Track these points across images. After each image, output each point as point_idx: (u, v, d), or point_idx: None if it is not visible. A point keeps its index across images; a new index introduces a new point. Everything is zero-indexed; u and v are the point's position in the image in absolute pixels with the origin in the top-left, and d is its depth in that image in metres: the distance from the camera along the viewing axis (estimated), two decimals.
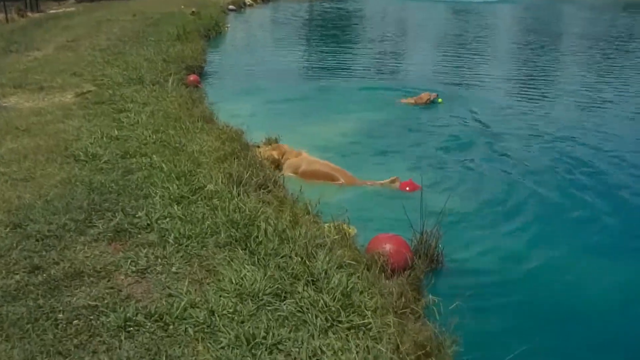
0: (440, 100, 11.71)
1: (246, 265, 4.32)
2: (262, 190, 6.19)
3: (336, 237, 5.10)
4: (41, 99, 9.33)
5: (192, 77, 12.27)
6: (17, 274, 4.12)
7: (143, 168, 6.24)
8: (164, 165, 6.27)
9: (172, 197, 5.50)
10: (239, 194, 5.70)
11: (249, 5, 34.48)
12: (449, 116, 10.89)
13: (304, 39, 23.53)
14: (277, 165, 7.71)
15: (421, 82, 14.09)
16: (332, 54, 19.23)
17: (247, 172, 6.37)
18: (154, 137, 7.26)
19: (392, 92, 12.98)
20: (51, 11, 26.16)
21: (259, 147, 8.18)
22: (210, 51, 16.61)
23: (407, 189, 6.99)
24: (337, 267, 4.41)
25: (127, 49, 13.78)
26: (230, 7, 30.44)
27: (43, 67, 11.67)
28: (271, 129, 9.25)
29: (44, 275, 4.10)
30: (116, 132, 7.38)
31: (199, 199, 5.55)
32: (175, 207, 5.28)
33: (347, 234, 5.32)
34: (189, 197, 5.54)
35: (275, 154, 7.69)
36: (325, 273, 4.30)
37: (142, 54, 12.96)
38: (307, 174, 7.41)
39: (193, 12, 22.49)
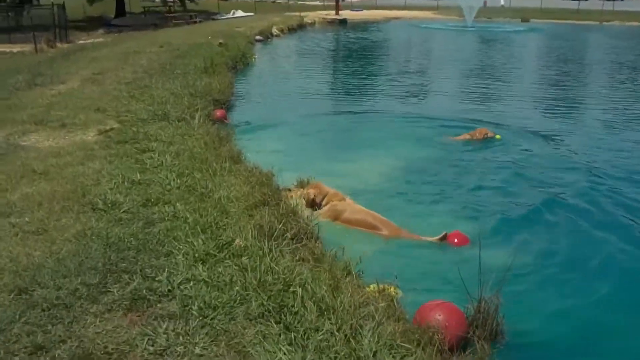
0: (498, 136, 10.99)
1: (282, 346, 3.69)
2: (296, 244, 5.60)
3: (382, 304, 4.46)
4: (62, 137, 8.88)
5: (218, 112, 11.82)
6: (16, 355, 3.55)
7: (166, 219, 5.68)
8: (188, 216, 5.71)
9: (196, 254, 4.91)
10: (270, 251, 5.10)
11: (276, 36, 34.38)
12: (502, 155, 10.16)
13: (332, 69, 23.11)
14: (313, 205, 7.12)
15: (460, 114, 13.52)
16: (362, 84, 18.80)
17: (279, 223, 5.79)
18: (179, 181, 6.72)
19: (433, 125, 12.40)
20: (80, 42, 26.30)
21: (289, 190, 7.60)
22: (238, 83, 16.18)
23: (455, 241, 6.32)
24: (387, 348, 3.77)
25: (153, 82, 13.39)
26: (258, 37, 30.29)
27: (67, 102, 11.27)
28: (303, 168, 8.72)
29: (47, 358, 3.52)
30: (138, 175, 6.85)
31: (227, 256, 4.96)
32: (200, 267, 4.70)
33: (394, 300, 4.67)
34: (215, 255, 4.95)
35: (312, 192, 7.11)
36: (375, 356, 3.66)
37: (168, 88, 12.55)
38: (350, 222, 6.81)
39: (220, 43, 22.22)
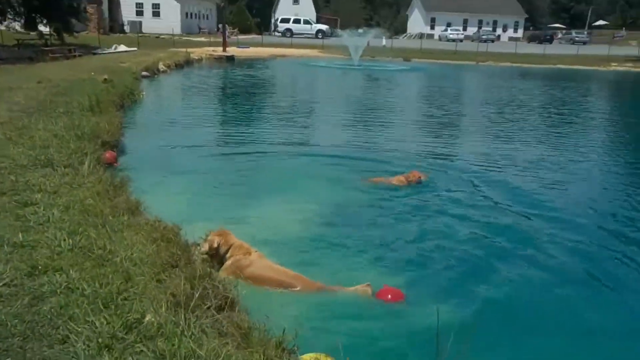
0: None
1: None
2: (217, 314, 4.86)
3: None
4: None
5: (108, 155, 10.79)
6: None
7: (58, 291, 4.76)
8: (85, 287, 4.83)
9: (100, 339, 4.07)
10: (189, 327, 4.35)
11: (163, 72, 33.14)
12: (419, 196, 9.81)
13: (223, 108, 22.39)
14: (216, 256, 6.39)
15: (362, 152, 13.31)
16: (257, 123, 18.23)
17: (195, 290, 5.03)
18: (71, 241, 5.78)
19: (339, 163, 12.09)
20: None
21: (199, 245, 6.82)
22: (127, 123, 15.06)
23: (389, 297, 5.79)
24: None
25: (32, 122, 12.08)
26: (144, 73, 28.98)
27: None
28: (209, 217, 8.04)
29: None
30: (21, 236, 5.83)
31: (138, 339, 4.15)
32: (107, 356, 3.85)
33: None
34: (124, 338, 4.13)
35: (217, 240, 6.37)
36: None
37: (51, 129, 11.31)
38: (256, 278, 6.08)
39: (105, 79, 20.91)
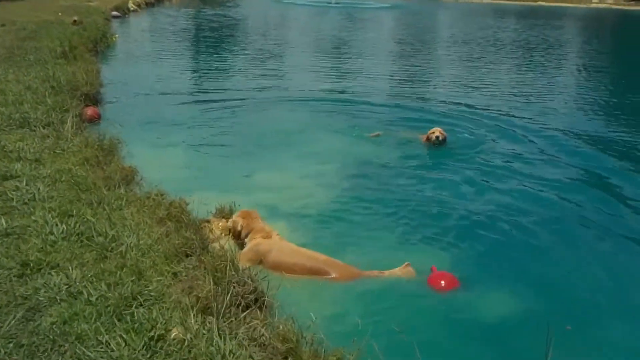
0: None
1: None
2: (250, 319, 4.06)
3: None
4: None
5: (90, 111, 9.70)
6: None
7: (58, 299, 3.90)
8: (91, 290, 3.97)
9: None
10: (224, 340, 3.56)
11: (133, 11, 31.35)
12: (443, 157, 8.89)
13: (201, 52, 20.97)
14: (238, 239, 5.56)
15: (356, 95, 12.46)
16: (240, 68, 17.13)
17: (219, 286, 4.21)
18: (64, 227, 4.88)
19: (350, 111, 11.47)
20: None
21: (208, 222, 5.97)
22: (104, 70, 13.79)
23: (442, 284, 5.02)
24: None
25: (1, 72, 10.88)
26: (114, 13, 27.23)
27: None
28: (212, 184, 7.16)
29: None
30: (4, 221, 4.91)
31: None
32: None
33: None
34: None
35: (241, 223, 5.52)
36: None
37: (23, 81, 10.17)
38: (280, 266, 5.24)
39: (75, 21, 19.40)
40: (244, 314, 4.12)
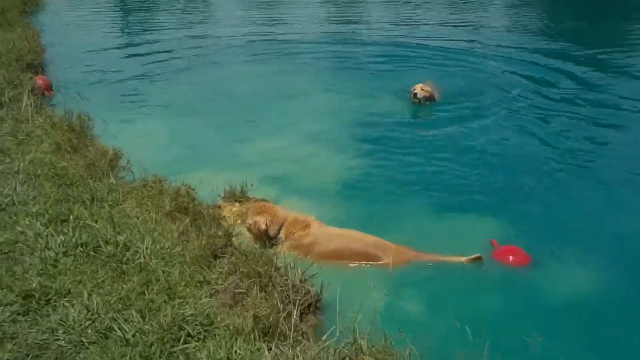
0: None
1: None
2: (320, 341, 3.34)
3: None
4: None
5: (40, 80, 8.55)
6: None
7: (85, 341, 3.07)
8: (123, 326, 3.14)
9: None
10: None
11: None
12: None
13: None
14: (266, 238, 4.72)
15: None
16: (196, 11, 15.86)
17: (274, 298, 3.47)
18: (62, 237, 3.98)
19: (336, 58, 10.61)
20: None
21: (219, 207, 5.16)
22: (43, 35, 12.35)
23: (510, 259, 4.38)
24: None
25: None
26: None
27: None
28: (204, 160, 6.27)
29: None
30: None
31: None
32: None
33: None
34: None
35: (263, 221, 4.66)
36: None
37: None
38: (329, 255, 4.53)
39: None
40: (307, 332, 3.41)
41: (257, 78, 9.85)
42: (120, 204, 4.68)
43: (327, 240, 4.57)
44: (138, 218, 4.41)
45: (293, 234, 4.60)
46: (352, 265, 4.48)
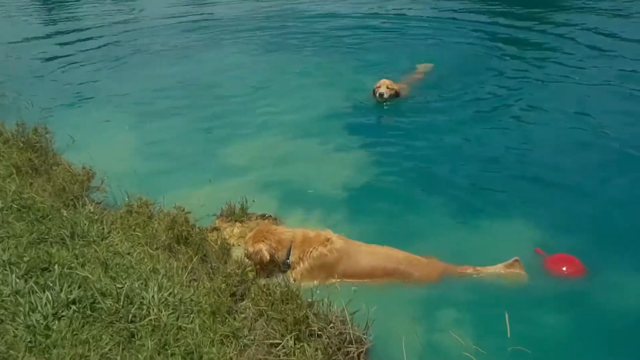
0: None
1: None
2: None
3: None
4: None
5: None
6: None
7: None
8: None
9: None
10: None
11: None
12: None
13: None
14: (272, 266, 4.08)
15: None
16: None
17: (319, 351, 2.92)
18: (48, 294, 3.27)
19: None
20: None
21: (216, 229, 4.51)
22: None
23: (564, 269, 3.89)
24: None
25: None
26: None
27: None
28: (186, 170, 5.60)
29: None
30: None
31: None
32: None
33: None
34: None
35: (266, 248, 3.98)
36: None
37: None
38: (358, 274, 3.98)
39: None
40: None
41: (217, 65, 9.14)
42: (107, 238, 3.97)
43: (356, 258, 3.99)
44: (132, 256, 3.73)
45: (311, 252, 3.97)
46: (382, 283, 3.92)
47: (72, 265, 3.55)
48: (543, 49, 8.92)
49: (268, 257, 3.97)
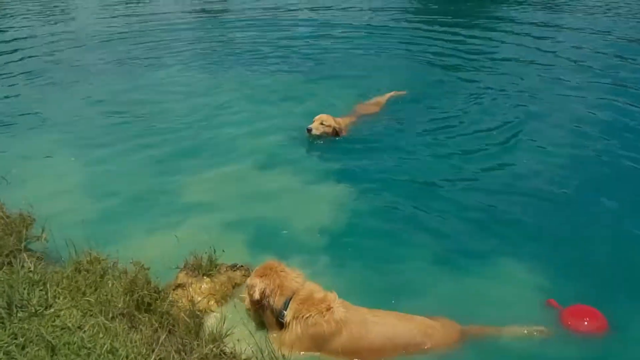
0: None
1: None
2: None
3: None
4: None
5: None
6: None
7: None
8: None
9: None
10: None
11: None
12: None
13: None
14: (259, 305, 3.51)
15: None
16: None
17: None
18: None
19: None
20: None
21: (180, 286, 3.90)
22: None
23: (585, 323, 3.42)
24: None
25: None
26: None
27: None
28: (136, 211, 4.98)
29: None
30: None
31: None
32: None
33: None
34: None
35: (259, 284, 3.42)
36: None
37: None
38: (362, 351, 3.36)
39: None
40: None
41: (164, 83, 8.49)
42: (51, 306, 3.31)
43: (360, 331, 3.38)
44: (83, 331, 3.08)
45: (307, 318, 3.39)
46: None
47: (10, 348, 2.88)
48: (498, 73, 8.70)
49: (257, 297, 3.44)
